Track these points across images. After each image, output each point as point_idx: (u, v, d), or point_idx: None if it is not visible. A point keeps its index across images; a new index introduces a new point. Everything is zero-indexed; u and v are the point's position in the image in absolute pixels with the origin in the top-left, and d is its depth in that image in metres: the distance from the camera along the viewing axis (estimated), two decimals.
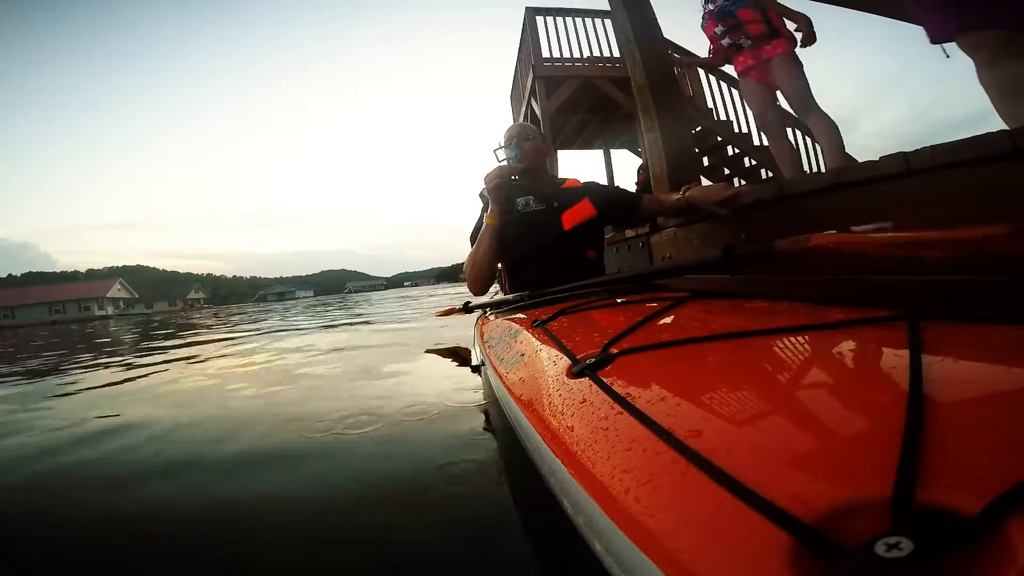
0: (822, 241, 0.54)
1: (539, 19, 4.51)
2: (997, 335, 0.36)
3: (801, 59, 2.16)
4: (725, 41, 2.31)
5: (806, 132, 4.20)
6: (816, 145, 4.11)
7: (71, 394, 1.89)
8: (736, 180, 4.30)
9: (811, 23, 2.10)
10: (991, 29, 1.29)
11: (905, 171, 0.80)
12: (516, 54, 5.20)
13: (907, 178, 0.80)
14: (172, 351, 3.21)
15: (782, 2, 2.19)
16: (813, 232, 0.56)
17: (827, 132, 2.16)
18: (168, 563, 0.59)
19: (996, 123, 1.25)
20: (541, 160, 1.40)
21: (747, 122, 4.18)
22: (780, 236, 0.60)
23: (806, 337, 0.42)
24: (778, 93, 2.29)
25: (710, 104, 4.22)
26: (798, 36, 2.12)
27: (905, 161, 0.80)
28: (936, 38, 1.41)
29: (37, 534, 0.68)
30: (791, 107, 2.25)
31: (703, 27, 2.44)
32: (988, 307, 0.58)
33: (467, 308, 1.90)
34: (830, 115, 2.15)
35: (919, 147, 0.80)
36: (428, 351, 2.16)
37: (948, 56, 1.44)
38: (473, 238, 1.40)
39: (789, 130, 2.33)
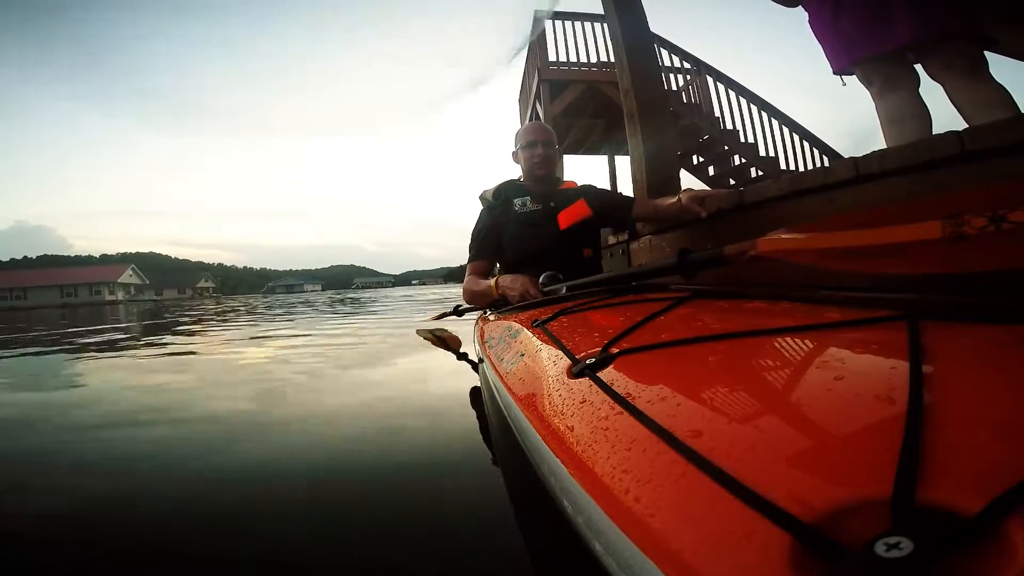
0: (767, 246, 0.54)
1: (547, 22, 4.54)
2: (997, 335, 0.35)
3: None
4: None
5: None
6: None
7: None
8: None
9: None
10: (878, 61, 1.43)
11: (855, 177, 0.81)
12: (525, 57, 5.23)
13: (857, 184, 0.81)
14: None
15: None
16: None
17: None
18: (155, 558, 0.58)
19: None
20: (554, 168, 1.47)
21: (754, 133, 4.18)
22: (743, 241, 0.61)
23: (806, 337, 0.42)
24: None
25: (717, 113, 4.22)
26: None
27: (854, 167, 0.81)
28: (837, 69, 1.56)
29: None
30: None
31: None
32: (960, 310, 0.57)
33: (458, 311, 1.94)
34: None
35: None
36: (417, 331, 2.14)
37: (844, 84, 1.59)
38: (474, 240, 1.45)
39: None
